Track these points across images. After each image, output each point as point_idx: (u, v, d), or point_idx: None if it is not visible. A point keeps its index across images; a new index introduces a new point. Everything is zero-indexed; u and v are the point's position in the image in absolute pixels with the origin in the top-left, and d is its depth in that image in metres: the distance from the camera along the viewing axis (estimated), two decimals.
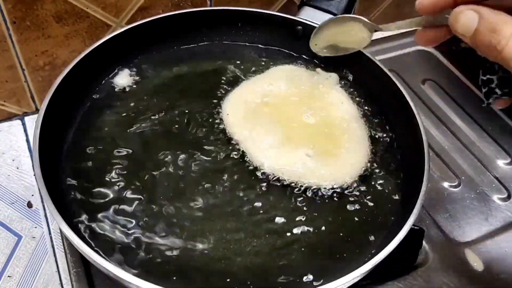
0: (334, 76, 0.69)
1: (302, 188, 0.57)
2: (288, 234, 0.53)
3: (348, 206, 0.56)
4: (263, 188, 0.56)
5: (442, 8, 0.45)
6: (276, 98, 0.64)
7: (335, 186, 0.57)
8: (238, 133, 0.61)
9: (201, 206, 0.54)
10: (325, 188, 0.57)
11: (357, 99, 0.68)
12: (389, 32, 0.96)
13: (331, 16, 0.68)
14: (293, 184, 0.57)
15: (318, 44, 0.55)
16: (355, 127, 0.63)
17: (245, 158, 0.59)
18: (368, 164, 0.60)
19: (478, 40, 0.41)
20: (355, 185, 0.58)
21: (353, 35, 0.54)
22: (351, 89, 0.69)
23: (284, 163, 0.58)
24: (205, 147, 0.60)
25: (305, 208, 0.55)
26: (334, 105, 0.65)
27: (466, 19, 0.41)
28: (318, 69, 0.70)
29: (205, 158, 0.58)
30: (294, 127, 0.61)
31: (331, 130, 0.62)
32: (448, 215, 0.68)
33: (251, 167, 0.58)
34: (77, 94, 0.63)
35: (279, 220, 0.54)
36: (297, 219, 0.54)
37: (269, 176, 0.57)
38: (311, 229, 0.54)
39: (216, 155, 0.59)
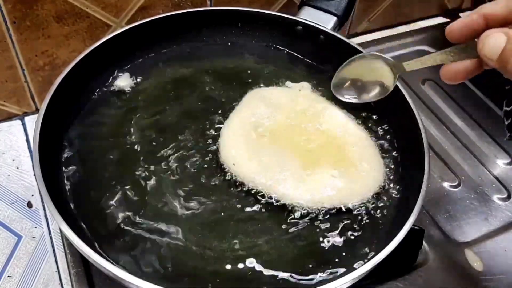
0: (305, 85, 0.67)
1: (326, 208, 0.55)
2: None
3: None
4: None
5: (473, 33, 0.44)
6: (267, 128, 0.60)
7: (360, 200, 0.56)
8: (256, 181, 0.56)
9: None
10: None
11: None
12: (389, 32, 0.97)
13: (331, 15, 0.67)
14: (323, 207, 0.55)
15: (339, 85, 0.53)
16: (359, 134, 0.62)
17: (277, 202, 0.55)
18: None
19: (505, 61, 0.40)
20: None
21: (376, 75, 0.52)
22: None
23: (316, 192, 0.55)
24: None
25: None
26: (326, 116, 0.62)
27: (494, 41, 0.40)
28: (288, 82, 0.68)
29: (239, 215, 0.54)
30: (303, 153, 0.58)
31: (339, 143, 0.60)
32: (448, 215, 0.68)
33: (284, 211, 0.54)
34: (77, 94, 0.63)
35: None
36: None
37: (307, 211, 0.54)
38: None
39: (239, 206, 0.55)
